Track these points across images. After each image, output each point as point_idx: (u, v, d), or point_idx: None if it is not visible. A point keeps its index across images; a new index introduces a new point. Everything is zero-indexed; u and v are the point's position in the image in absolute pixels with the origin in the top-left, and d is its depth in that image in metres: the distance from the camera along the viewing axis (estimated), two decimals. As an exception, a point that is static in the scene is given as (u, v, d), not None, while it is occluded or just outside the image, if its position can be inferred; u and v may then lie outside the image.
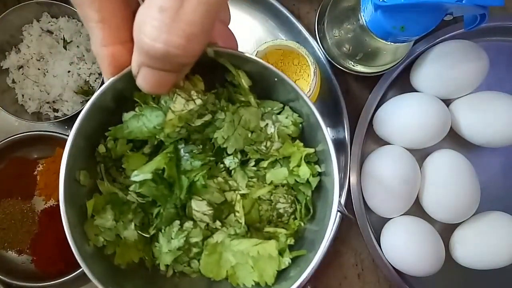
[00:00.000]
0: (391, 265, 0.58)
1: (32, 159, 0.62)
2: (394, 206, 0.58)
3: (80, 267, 0.56)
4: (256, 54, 0.51)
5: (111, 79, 0.31)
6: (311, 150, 0.38)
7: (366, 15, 0.46)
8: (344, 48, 0.54)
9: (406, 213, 0.58)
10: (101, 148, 0.36)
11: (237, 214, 0.38)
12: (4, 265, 0.59)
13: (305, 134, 0.39)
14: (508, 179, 0.61)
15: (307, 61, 0.52)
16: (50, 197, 0.61)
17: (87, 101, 0.57)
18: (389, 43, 0.48)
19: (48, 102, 0.60)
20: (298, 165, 0.38)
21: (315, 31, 0.60)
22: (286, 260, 0.37)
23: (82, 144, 0.34)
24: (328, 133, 0.35)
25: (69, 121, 0.60)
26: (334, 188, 0.34)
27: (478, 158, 0.59)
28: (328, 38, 0.56)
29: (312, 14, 0.61)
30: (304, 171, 0.38)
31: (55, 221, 0.60)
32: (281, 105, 0.39)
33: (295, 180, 0.38)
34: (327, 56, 0.58)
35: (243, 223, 0.38)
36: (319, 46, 0.59)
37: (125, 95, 0.34)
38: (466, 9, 0.43)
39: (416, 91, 0.60)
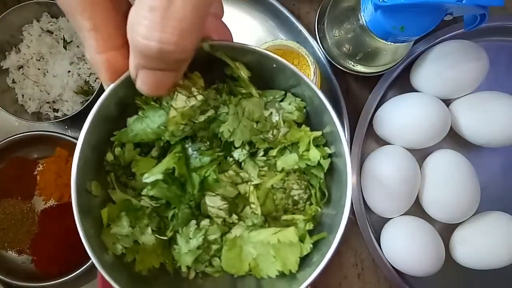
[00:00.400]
0: (391, 265, 0.58)
1: (32, 159, 0.62)
2: (394, 206, 0.58)
3: (80, 267, 0.57)
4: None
5: (111, 86, 0.31)
6: (319, 133, 0.38)
7: (366, 15, 0.46)
8: (344, 48, 0.54)
9: (406, 213, 0.58)
10: (109, 156, 0.36)
11: (252, 206, 0.37)
12: (4, 265, 0.59)
13: (311, 119, 0.39)
14: (508, 179, 0.61)
15: (307, 61, 0.52)
16: (50, 197, 0.61)
17: (87, 101, 0.58)
18: (389, 43, 0.48)
19: (48, 102, 0.60)
20: (307, 149, 0.38)
21: (315, 31, 0.60)
22: (308, 245, 0.36)
23: (90, 155, 0.34)
24: (334, 113, 0.35)
25: (69, 121, 0.60)
26: (347, 168, 0.34)
27: (478, 158, 0.59)
28: (328, 38, 0.56)
29: (312, 14, 0.62)
30: (314, 154, 0.37)
31: (55, 221, 0.60)
32: (283, 93, 0.38)
33: (306, 164, 0.38)
34: (327, 56, 0.58)
35: (260, 214, 0.37)
36: (319, 46, 0.59)
37: (127, 102, 0.34)
38: (466, 9, 0.43)
39: (416, 91, 0.60)
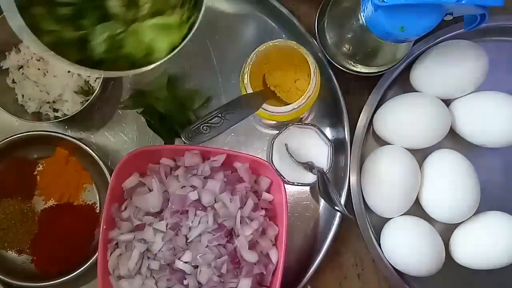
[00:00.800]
0: (391, 265, 0.58)
1: (32, 159, 0.62)
2: (394, 206, 0.58)
3: (80, 267, 0.57)
4: (256, 54, 0.51)
5: None
6: None
7: (366, 15, 0.46)
8: (344, 48, 0.54)
9: (406, 213, 0.58)
10: None
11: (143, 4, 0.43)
12: (4, 265, 0.59)
13: None
14: (508, 179, 0.61)
15: (307, 61, 0.52)
16: (50, 197, 0.61)
17: (87, 101, 0.58)
18: (389, 43, 0.48)
19: (48, 102, 0.60)
20: None
21: (315, 31, 0.60)
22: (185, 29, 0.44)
23: None
24: None
25: (69, 121, 0.60)
26: None
27: (478, 158, 0.59)
28: (328, 38, 0.56)
29: (312, 14, 0.61)
30: None
31: (55, 221, 0.60)
32: None
33: None
34: (327, 56, 0.58)
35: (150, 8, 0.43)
36: (319, 46, 0.59)
37: None
38: (466, 9, 0.43)
39: (416, 91, 0.60)
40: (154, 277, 0.53)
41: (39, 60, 0.59)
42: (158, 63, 0.44)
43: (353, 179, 0.58)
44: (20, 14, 0.36)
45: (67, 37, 0.41)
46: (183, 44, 0.44)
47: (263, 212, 0.54)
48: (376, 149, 0.59)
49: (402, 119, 0.57)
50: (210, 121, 0.48)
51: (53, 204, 0.61)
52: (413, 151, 0.58)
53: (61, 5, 0.40)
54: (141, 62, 0.44)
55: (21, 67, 0.60)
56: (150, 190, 0.54)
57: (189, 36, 0.45)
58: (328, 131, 0.62)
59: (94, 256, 0.55)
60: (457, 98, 0.59)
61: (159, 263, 0.52)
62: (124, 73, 0.44)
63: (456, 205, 0.56)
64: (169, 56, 0.44)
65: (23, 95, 0.60)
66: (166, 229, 0.52)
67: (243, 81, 0.51)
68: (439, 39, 0.58)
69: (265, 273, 0.52)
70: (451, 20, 0.46)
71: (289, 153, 0.55)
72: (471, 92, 0.58)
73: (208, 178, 0.55)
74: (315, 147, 0.56)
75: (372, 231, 0.59)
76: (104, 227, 0.53)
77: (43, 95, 0.59)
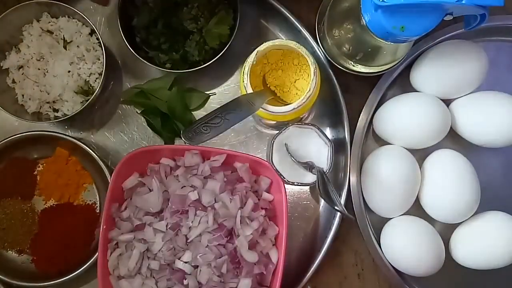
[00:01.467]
0: (391, 265, 0.58)
1: (32, 159, 0.62)
2: (394, 206, 0.58)
3: (80, 267, 0.57)
4: (256, 54, 0.51)
5: None
6: None
7: (366, 15, 0.46)
8: (344, 48, 0.54)
9: (406, 213, 0.58)
10: None
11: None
12: (4, 265, 0.59)
13: None
14: (508, 179, 0.61)
15: (307, 61, 0.52)
16: (50, 197, 0.61)
17: (87, 101, 0.58)
18: (389, 43, 0.48)
19: (48, 102, 0.60)
20: None
21: (315, 31, 0.60)
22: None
23: None
24: None
25: (69, 121, 0.60)
26: None
27: (478, 158, 0.59)
28: (328, 38, 0.56)
29: (312, 14, 0.61)
30: None
31: (55, 221, 0.60)
32: None
33: None
34: (327, 56, 0.58)
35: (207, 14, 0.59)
36: (319, 46, 0.59)
37: None
38: (466, 9, 0.43)
39: (416, 91, 0.60)
40: (154, 277, 0.53)
41: (39, 60, 0.59)
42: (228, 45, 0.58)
43: (353, 179, 0.58)
44: (154, 63, 0.59)
45: (174, 58, 0.59)
46: (238, 21, 0.59)
47: (263, 212, 0.54)
48: (376, 149, 0.59)
49: (402, 119, 0.57)
50: (210, 121, 0.48)
51: (53, 204, 0.61)
52: (413, 151, 0.58)
53: (162, 43, 0.59)
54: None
55: (21, 67, 0.60)
56: (150, 190, 0.54)
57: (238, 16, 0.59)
58: (328, 131, 0.62)
59: (94, 256, 0.55)
60: (457, 98, 0.59)
61: (159, 263, 0.52)
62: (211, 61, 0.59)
63: (456, 205, 0.56)
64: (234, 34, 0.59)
65: (23, 95, 0.60)
66: (166, 229, 0.52)
67: (243, 81, 0.51)
68: (439, 39, 0.58)
69: (265, 273, 0.52)
70: (451, 20, 0.46)
71: (289, 153, 0.55)
72: (471, 92, 0.58)
73: (208, 178, 0.55)
74: (315, 147, 0.56)
75: (372, 231, 0.59)
76: (104, 227, 0.53)
77: (43, 95, 0.59)
